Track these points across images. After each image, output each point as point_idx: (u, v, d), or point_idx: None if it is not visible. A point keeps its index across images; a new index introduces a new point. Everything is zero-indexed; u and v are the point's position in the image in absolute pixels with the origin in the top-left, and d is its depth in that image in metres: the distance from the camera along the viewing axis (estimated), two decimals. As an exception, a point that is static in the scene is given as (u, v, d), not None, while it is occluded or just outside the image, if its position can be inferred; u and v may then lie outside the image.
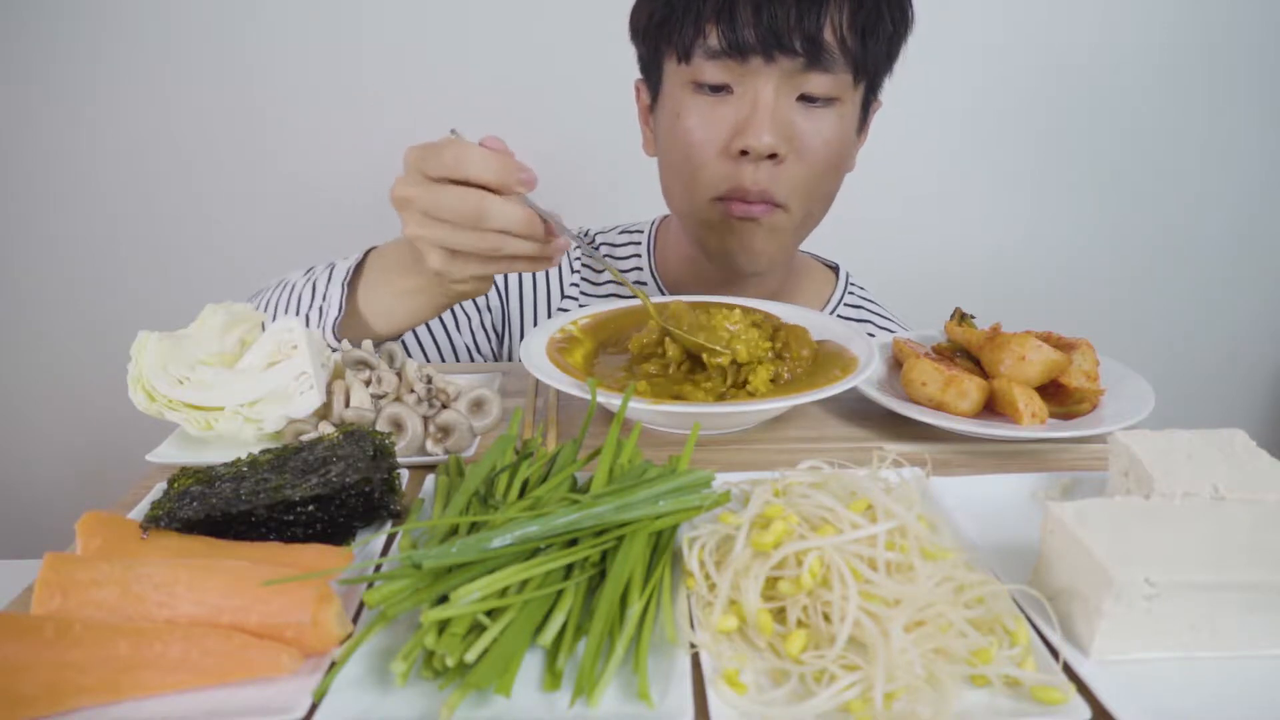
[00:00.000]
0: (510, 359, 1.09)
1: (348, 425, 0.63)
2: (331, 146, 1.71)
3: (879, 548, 0.44)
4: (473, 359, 1.07)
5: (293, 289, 0.86)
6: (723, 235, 0.93)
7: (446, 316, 1.04)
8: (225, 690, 0.41)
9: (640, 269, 1.10)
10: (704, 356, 0.73)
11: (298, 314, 0.84)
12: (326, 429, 0.66)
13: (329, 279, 0.84)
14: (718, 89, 0.86)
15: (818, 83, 0.84)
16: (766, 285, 1.04)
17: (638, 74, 0.99)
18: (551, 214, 0.69)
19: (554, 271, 1.09)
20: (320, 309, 0.82)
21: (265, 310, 0.88)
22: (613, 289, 1.10)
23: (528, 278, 1.08)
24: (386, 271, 0.82)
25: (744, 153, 0.86)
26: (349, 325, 0.83)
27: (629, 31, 0.94)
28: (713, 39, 0.83)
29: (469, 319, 1.06)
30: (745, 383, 0.72)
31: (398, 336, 0.87)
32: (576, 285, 1.10)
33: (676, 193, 0.96)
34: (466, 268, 0.70)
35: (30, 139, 1.68)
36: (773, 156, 0.86)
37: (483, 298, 1.07)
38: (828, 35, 0.82)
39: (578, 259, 1.11)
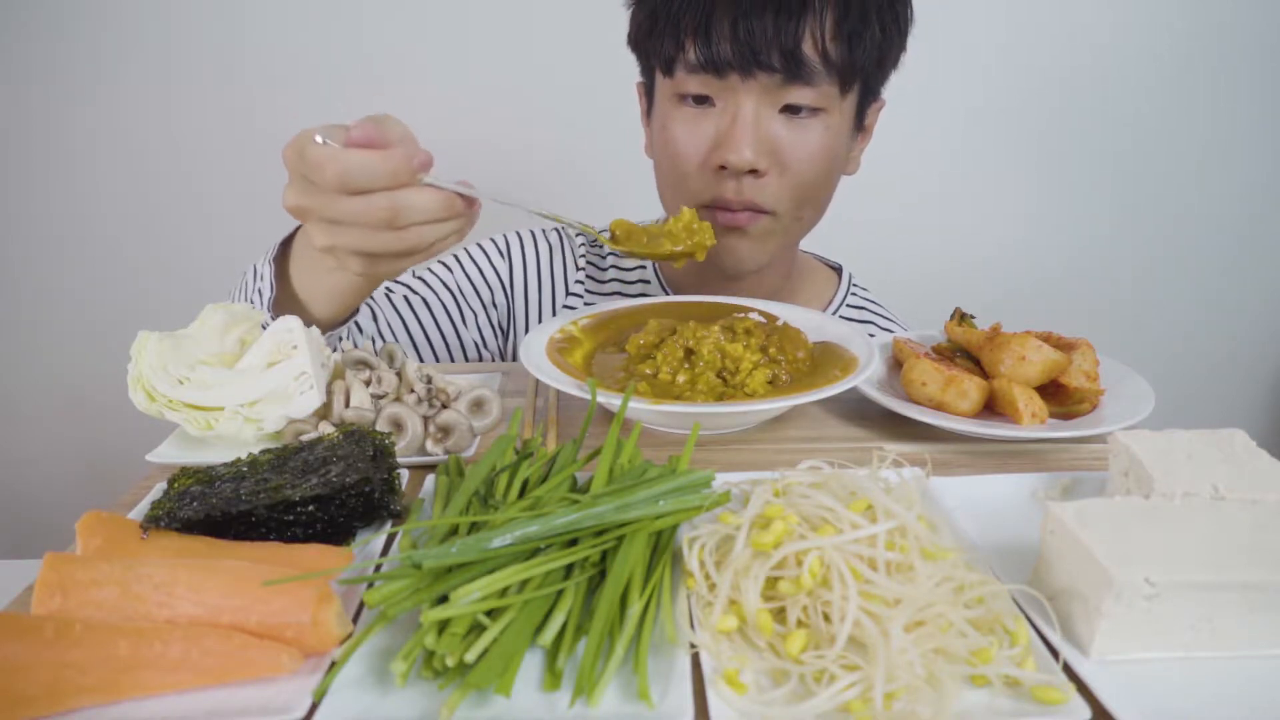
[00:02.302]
0: (516, 355, 1.09)
1: (348, 425, 0.63)
2: (331, 146, 1.71)
3: (879, 548, 0.44)
4: (480, 355, 1.08)
5: (244, 274, 0.84)
6: None
7: (454, 313, 1.05)
8: (225, 690, 0.41)
9: (644, 267, 1.10)
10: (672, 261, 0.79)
11: (246, 298, 0.81)
12: (326, 429, 0.66)
13: (265, 258, 0.80)
14: (701, 100, 0.87)
15: (800, 95, 0.84)
16: (767, 284, 1.04)
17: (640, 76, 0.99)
18: (460, 184, 0.63)
19: (559, 269, 1.10)
20: (259, 290, 0.79)
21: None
22: (617, 286, 1.10)
23: (533, 276, 1.09)
24: (311, 251, 0.75)
25: (723, 167, 0.86)
26: (288, 308, 0.79)
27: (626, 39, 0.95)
28: (691, 54, 0.83)
29: (475, 316, 1.06)
30: (743, 384, 0.72)
31: (340, 323, 0.83)
32: (581, 283, 1.10)
33: (667, 198, 0.97)
34: (392, 266, 0.65)
35: (30, 139, 1.68)
36: (754, 172, 0.86)
37: (488, 294, 1.07)
38: (808, 49, 0.81)
39: (582, 255, 1.11)
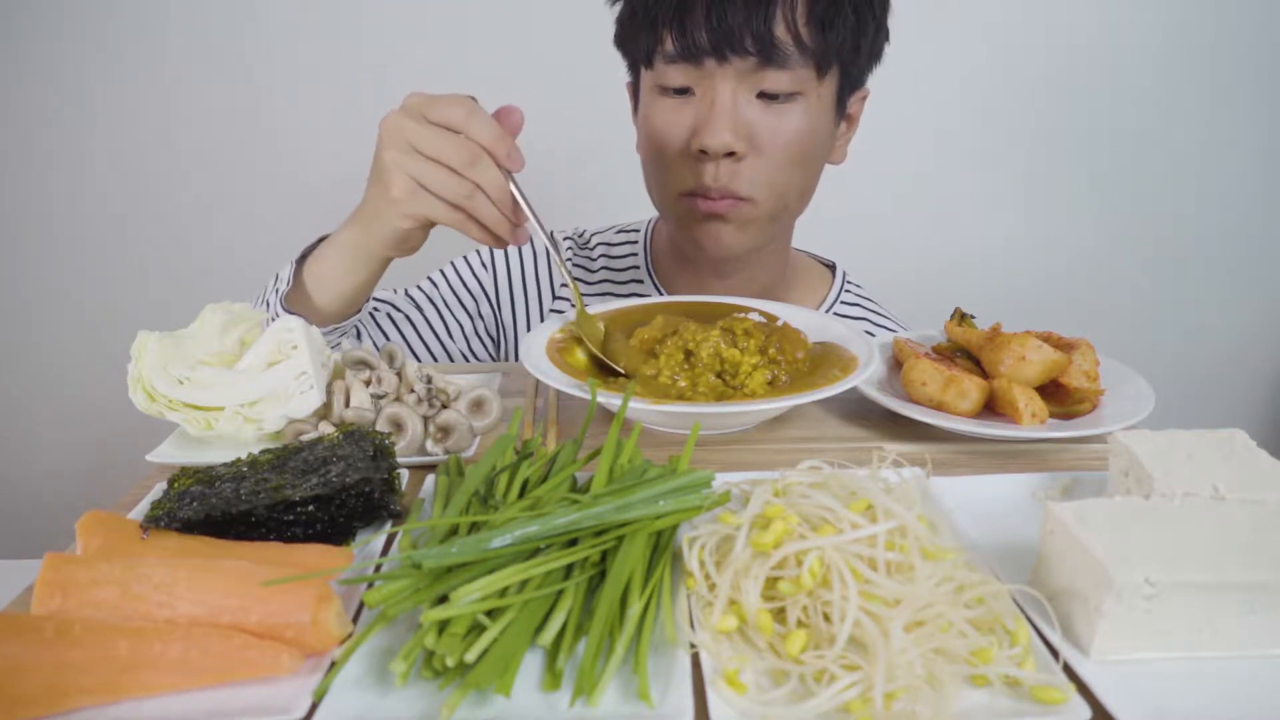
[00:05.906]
0: (509, 359, 1.09)
1: (348, 425, 0.63)
2: (332, 146, 1.71)
3: (879, 548, 0.44)
4: None
5: (273, 277, 0.88)
6: (692, 228, 0.94)
7: (439, 327, 1.05)
8: (225, 690, 0.41)
9: (636, 266, 1.10)
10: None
11: (263, 301, 0.86)
12: (326, 429, 0.66)
13: (293, 261, 0.85)
14: (680, 91, 0.88)
15: (775, 80, 0.85)
16: (759, 281, 1.03)
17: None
18: (529, 204, 0.72)
19: (545, 274, 1.10)
20: (276, 289, 0.84)
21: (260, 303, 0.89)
22: (608, 286, 1.10)
23: (518, 281, 1.09)
24: (332, 245, 0.83)
25: (703, 152, 0.87)
26: (294, 298, 0.84)
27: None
28: (668, 45, 0.85)
29: (461, 327, 1.07)
30: (743, 385, 0.72)
31: (340, 316, 0.86)
32: (568, 286, 1.10)
33: (652, 189, 0.98)
34: (424, 206, 0.71)
35: (30, 139, 1.68)
36: (731, 155, 0.87)
37: (473, 305, 1.07)
38: (780, 32, 0.82)
39: (569, 259, 1.11)
